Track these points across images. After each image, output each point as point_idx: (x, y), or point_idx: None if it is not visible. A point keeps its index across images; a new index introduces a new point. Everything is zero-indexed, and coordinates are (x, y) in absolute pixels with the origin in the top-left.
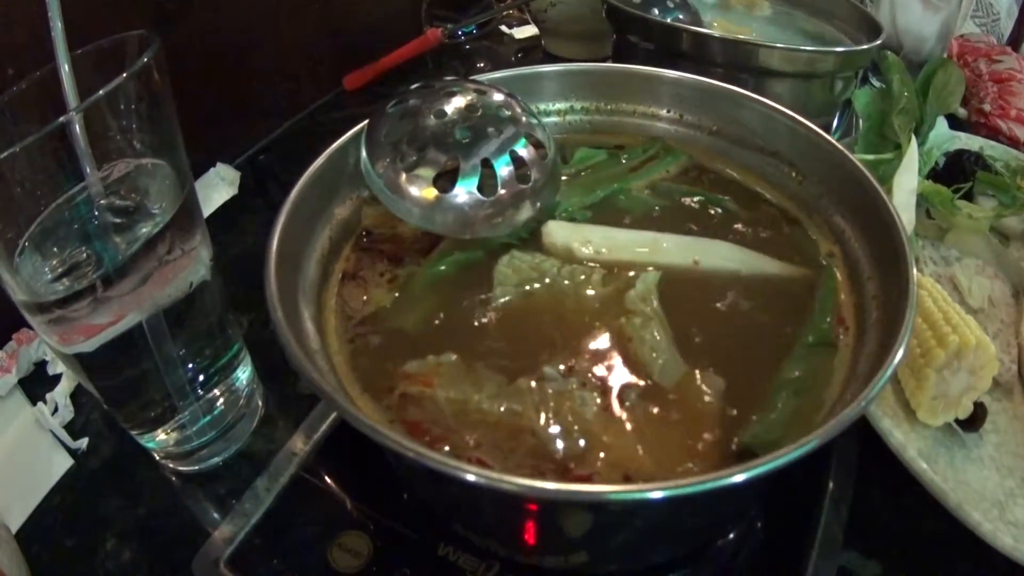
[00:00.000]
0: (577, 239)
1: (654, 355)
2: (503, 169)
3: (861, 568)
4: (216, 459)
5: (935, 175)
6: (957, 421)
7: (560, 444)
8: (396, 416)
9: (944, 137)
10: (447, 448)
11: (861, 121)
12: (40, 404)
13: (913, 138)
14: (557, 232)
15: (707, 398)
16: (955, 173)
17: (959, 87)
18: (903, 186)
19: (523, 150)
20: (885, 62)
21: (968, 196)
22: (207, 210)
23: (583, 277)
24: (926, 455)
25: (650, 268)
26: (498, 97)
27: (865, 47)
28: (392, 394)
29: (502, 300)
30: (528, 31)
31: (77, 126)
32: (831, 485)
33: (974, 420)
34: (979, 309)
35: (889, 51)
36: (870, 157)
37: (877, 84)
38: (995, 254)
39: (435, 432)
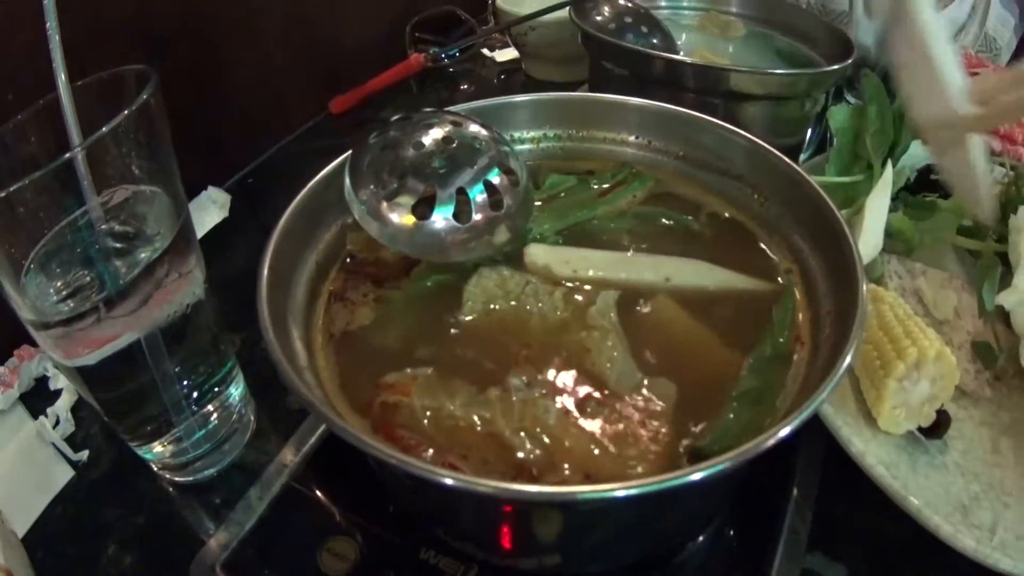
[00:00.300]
0: (556, 259)
1: (609, 365)
2: (477, 197)
3: (826, 570)
4: (211, 470)
5: (907, 189)
6: (920, 429)
7: (525, 448)
8: (377, 423)
9: (919, 157)
10: (429, 452)
11: (835, 139)
12: (42, 418)
13: (888, 163)
14: (538, 254)
15: (660, 405)
16: (925, 186)
17: None
18: (875, 210)
19: (496, 178)
20: (864, 81)
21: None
22: (199, 232)
23: (547, 295)
24: (887, 462)
25: (621, 284)
26: (473, 128)
27: (836, 67)
28: (374, 405)
29: (470, 317)
30: (509, 54)
31: (80, 160)
32: (795, 491)
33: (937, 427)
34: (943, 321)
35: (869, 71)
36: (842, 179)
37: (853, 100)
38: (964, 266)
39: (412, 438)
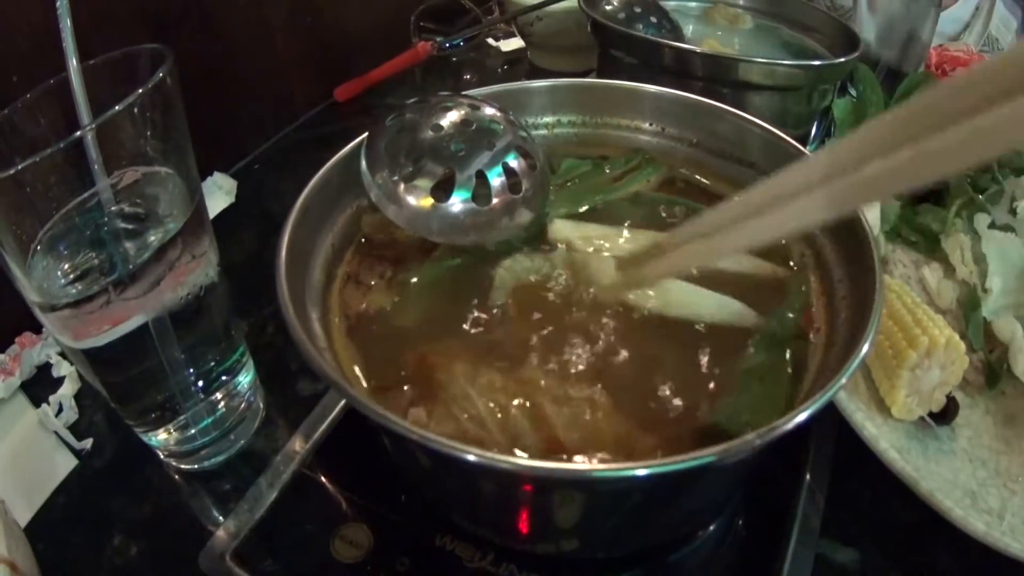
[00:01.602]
0: (578, 234)
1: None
2: (496, 180)
3: (838, 554)
4: (218, 458)
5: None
6: (930, 414)
7: (556, 428)
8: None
9: None
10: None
11: (836, 130)
12: (44, 406)
13: None
14: (561, 228)
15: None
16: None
17: None
18: None
19: (514, 162)
20: (858, 73)
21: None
22: None
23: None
24: (899, 447)
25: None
26: (490, 111)
27: (842, 60)
28: (398, 386)
29: (499, 301)
30: (515, 44)
31: (90, 139)
32: (808, 476)
33: (946, 413)
34: (947, 310)
35: (863, 64)
36: None
37: (856, 94)
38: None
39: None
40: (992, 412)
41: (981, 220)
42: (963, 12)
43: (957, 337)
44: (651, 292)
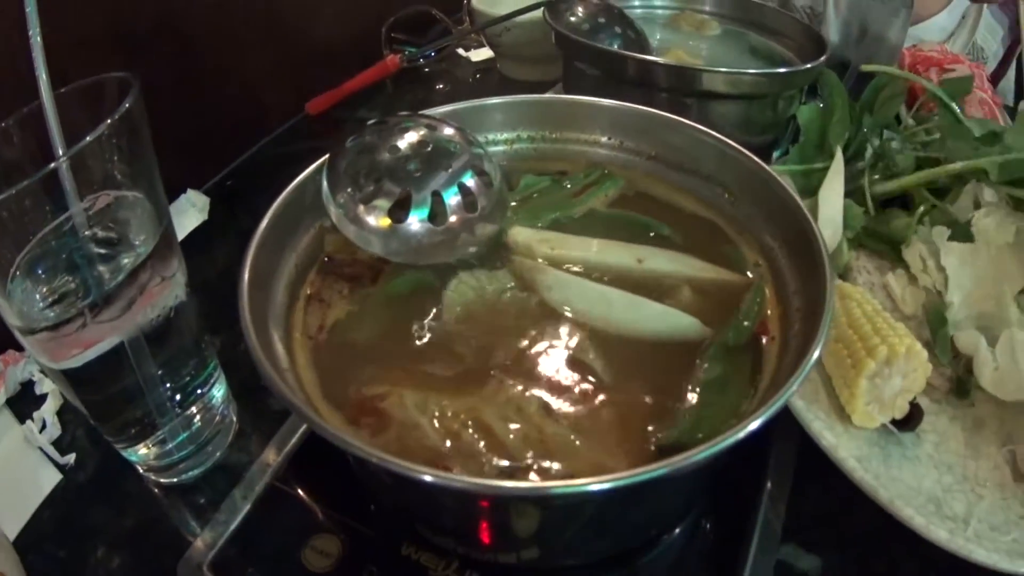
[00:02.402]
0: (536, 239)
1: (585, 362)
2: (452, 199)
3: (799, 560)
4: (195, 471)
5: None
6: (893, 421)
7: (505, 442)
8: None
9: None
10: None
11: (801, 134)
12: (28, 422)
13: (839, 150)
14: (520, 233)
15: (632, 399)
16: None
17: (899, 99)
18: (829, 197)
19: (470, 180)
20: (822, 78)
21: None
22: (179, 235)
23: (523, 301)
24: (859, 455)
25: (596, 265)
26: (447, 131)
27: (807, 67)
28: (354, 401)
29: (449, 319)
30: (484, 54)
31: (64, 167)
32: (769, 484)
33: (909, 420)
34: (912, 316)
35: (829, 69)
36: (799, 167)
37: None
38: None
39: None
40: (960, 418)
41: (940, 233)
42: (948, 21)
43: (919, 345)
44: (591, 306)
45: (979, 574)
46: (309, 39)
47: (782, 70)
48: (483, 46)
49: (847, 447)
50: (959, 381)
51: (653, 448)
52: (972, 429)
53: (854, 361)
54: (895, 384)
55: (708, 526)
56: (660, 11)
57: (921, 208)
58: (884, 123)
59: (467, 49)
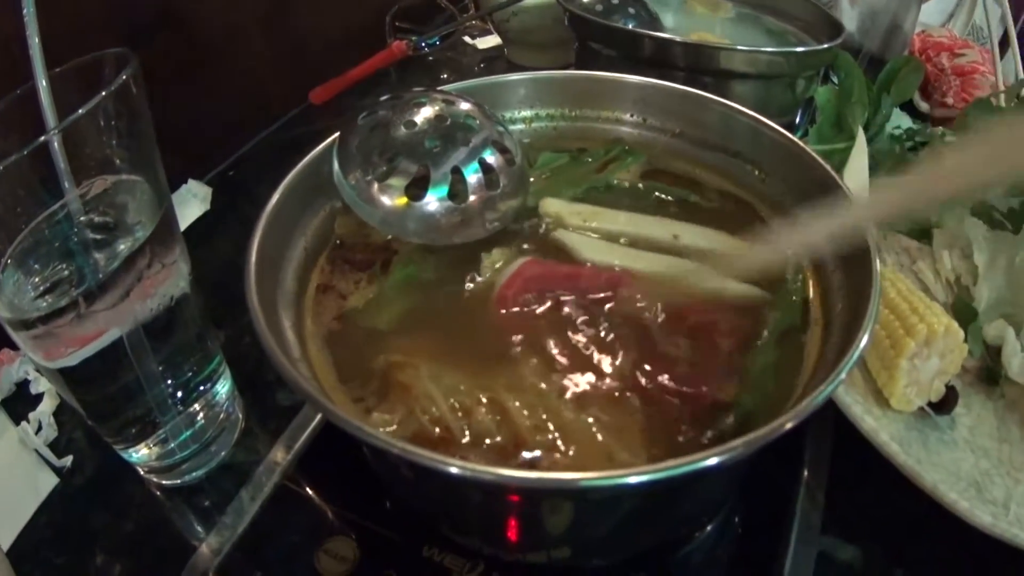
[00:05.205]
0: (569, 211)
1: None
2: (472, 176)
3: (840, 552)
4: (199, 472)
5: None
6: (930, 404)
7: (533, 431)
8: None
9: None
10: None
11: (818, 116)
12: (24, 423)
13: (861, 129)
14: (551, 204)
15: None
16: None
17: (916, 77)
18: (854, 176)
19: (491, 157)
20: (838, 60)
21: None
22: (180, 226)
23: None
24: (899, 439)
25: (631, 236)
26: (465, 106)
27: (825, 47)
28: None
29: (475, 295)
30: (491, 41)
31: (56, 145)
32: (806, 473)
33: (945, 403)
34: (943, 301)
35: (843, 51)
36: (822, 147)
37: (837, 82)
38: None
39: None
40: (993, 400)
41: (973, 225)
42: (947, 3)
43: (956, 324)
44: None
45: (1016, 560)
46: (312, 28)
47: (799, 49)
48: (489, 33)
49: (887, 431)
50: (988, 371)
51: (681, 440)
52: (1005, 412)
53: (892, 342)
54: (933, 365)
55: (743, 520)
56: None
57: None
58: (901, 100)
59: (473, 36)
